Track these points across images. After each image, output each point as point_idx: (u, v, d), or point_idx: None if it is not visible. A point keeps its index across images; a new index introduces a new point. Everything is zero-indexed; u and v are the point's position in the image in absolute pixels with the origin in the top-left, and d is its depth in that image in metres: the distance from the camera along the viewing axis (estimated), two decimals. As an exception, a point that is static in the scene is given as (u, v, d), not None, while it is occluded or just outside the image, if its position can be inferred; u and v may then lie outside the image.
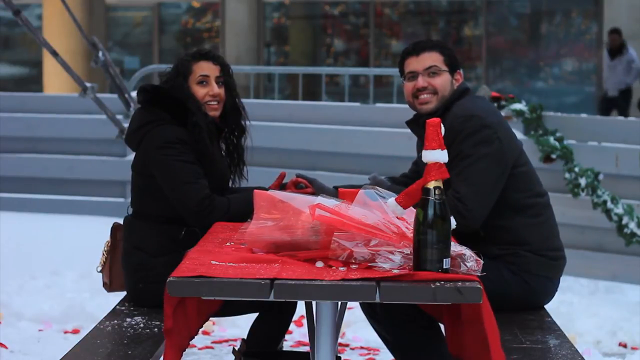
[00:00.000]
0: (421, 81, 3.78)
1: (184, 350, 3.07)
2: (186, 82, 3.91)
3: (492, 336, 2.78)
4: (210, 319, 5.33)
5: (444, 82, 3.78)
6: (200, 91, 3.91)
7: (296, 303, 3.92)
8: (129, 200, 4.01)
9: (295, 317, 4.04)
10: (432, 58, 3.79)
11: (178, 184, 3.78)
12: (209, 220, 3.75)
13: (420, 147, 3.89)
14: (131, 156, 9.48)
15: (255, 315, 4.01)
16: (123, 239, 3.96)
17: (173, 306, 2.85)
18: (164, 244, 3.82)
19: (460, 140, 3.62)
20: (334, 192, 3.75)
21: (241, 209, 3.75)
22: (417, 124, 3.83)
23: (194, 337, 3.17)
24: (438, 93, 3.78)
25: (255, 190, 3.16)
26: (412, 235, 2.77)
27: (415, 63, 3.80)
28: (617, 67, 13.78)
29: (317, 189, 3.86)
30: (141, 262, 3.83)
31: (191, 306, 3.06)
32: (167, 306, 2.82)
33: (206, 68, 3.93)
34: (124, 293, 4.02)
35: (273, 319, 3.95)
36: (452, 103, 3.77)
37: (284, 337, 4.15)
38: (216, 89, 3.93)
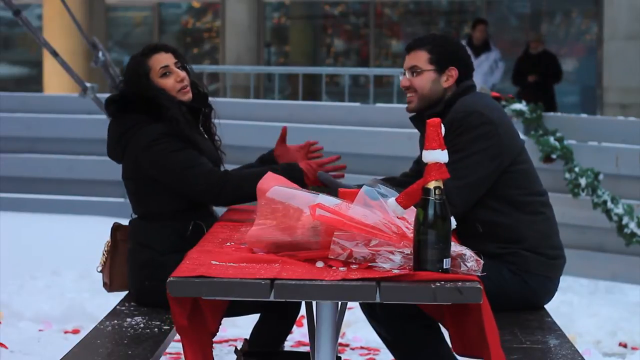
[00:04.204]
0: (403, 80, 3.84)
1: (212, 346, 3.05)
2: (149, 80, 3.88)
3: (492, 337, 2.79)
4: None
5: (423, 81, 3.79)
6: (167, 82, 3.89)
7: (300, 304, 3.92)
8: (129, 201, 4.00)
9: (295, 317, 4.05)
10: (417, 57, 3.80)
11: (179, 172, 3.77)
12: (223, 195, 3.75)
13: (422, 143, 3.89)
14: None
15: (257, 315, 4.00)
16: (128, 237, 3.95)
17: (186, 304, 2.84)
18: (172, 241, 3.79)
19: (459, 133, 3.63)
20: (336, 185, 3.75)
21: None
22: (420, 120, 3.83)
23: (215, 335, 3.15)
24: (417, 92, 3.80)
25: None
26: (412, 235, 2.77)
27: (406, 61, 3.85)
28: (483, 65, 12.04)
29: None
30: (149, 260, 3.81)
31: (204, 304, 3.06)
32: (174, 305, 2.81)
33: (162, 59, 3.91)
34: (124, 293, 4.02)
35: (276, 319, 3.95)
36: (455, 100, 3.77)
37: (287, 337, 4.15)
38: (181, 73, 3.91)
